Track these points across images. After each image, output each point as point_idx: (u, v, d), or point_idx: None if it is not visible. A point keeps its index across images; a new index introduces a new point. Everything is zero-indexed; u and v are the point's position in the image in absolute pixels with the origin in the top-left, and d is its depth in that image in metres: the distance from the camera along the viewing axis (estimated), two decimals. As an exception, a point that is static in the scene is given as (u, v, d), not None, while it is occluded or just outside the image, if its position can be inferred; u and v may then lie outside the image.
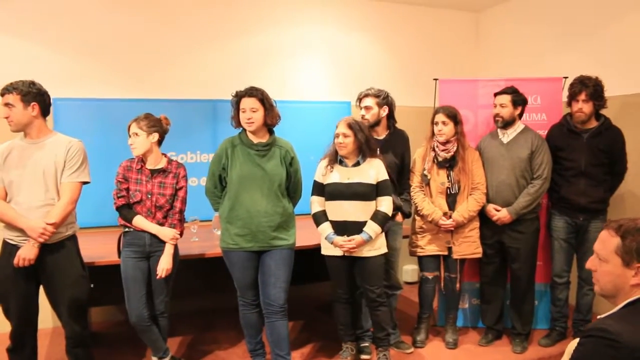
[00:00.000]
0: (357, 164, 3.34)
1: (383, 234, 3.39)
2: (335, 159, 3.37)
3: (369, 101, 3.66)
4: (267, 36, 4.97)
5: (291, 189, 3.32)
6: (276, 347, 3.21)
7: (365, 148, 3.30)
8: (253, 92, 3.12)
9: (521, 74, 4.83)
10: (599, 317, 1.71)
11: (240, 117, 3.14)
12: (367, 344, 3.72)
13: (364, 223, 3.27)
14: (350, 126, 3.28)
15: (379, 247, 3.35)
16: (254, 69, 4.88)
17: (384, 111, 3.68)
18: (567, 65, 4.48)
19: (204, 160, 4.68)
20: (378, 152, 3.51)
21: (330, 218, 3.35)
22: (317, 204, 3.41)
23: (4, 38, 4.18)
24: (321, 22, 5.18)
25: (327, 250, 3.39)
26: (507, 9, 5.46)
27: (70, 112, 4.31)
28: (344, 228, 3.29)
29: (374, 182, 3.30)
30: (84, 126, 4.32)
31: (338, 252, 3.33)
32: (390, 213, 3.35)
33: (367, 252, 3.31)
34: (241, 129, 3.22)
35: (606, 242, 1.70)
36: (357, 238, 3.25)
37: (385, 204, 3.33)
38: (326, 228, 3.34)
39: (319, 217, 3.38)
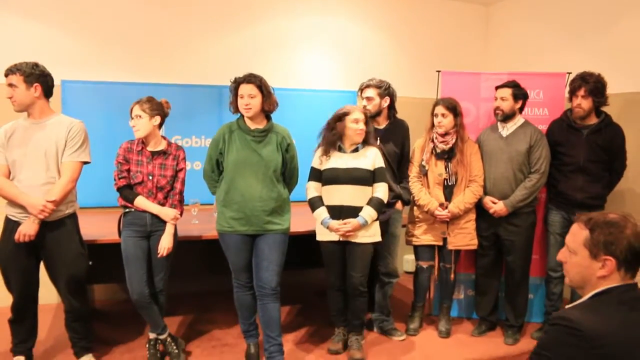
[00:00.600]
0: (356, 150, 3.41)
1: (377, 222, 3.44)
2: (334, 145, 3.43)
3: (371, 92, 3.71)
4: (273, 24, 5.00)
5: (287, 175, 3.36)
6: (267, 329, 3.28)
7: (369, 136, 3.43)
8: (251, 78, 3.17)
9: (529, 69, 4.80)
10: (566, 307, 1.76)
11: (238, 103, 3.20)
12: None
13: (359, 208, 3.34)
14: (365, 114, 3.43)
15: (373, 235, 3.41)
16: (259, 56, 4.91)
17: (385, 102, 3.73)
18: (575, 61, 4.43)
19: (208, 144, 4.70)
20: (378, 141, 3.60)
21: (326, 203, 3.41)
22: (313, 189, 3.47)
23: (15, 20, 4.27)
24: (328, 11, 5.19)
25: (322, 235, 3.45)
26: (517, 3, 5.42)
27: (78, 94, 4.41)
28: (340, 212, 3.36)
29: (371, 168, 3.38)
30: (91, 108, 4.42)
31: (333, 237, 3.39)
32: (385, 199, 3.41)
33: (361, 237, 3.37)
34: (239, 114, 3.28)
35: (576, 235, 1.73)
36: (353, 222, 3.31)
37: (381, 189, 3.39)
38: (322, 212, 3.40)
39: (315, 202, 3.44)
